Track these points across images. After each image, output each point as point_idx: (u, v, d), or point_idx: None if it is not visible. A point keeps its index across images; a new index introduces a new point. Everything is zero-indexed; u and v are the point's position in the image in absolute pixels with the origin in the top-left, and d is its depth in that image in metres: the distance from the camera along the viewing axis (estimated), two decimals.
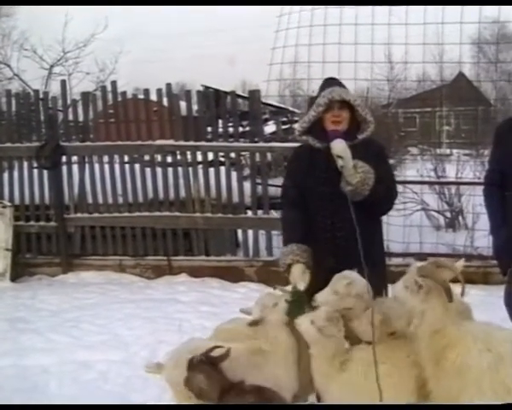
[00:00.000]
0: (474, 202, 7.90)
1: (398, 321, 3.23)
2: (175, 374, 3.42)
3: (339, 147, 3.52)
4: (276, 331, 3.36)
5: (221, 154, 7.93)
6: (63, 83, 8.58)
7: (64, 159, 8.17)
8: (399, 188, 7.99)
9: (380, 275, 3.67)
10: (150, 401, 3.59)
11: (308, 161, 3.81)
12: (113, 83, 8.30)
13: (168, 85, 7.93)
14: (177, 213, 7.91)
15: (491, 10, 8.36)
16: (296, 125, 4.02)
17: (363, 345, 3.23)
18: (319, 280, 3.45)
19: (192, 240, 8.01)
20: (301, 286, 3.47)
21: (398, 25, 7.79)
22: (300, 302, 3.36)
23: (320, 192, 3.73)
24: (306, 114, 3.98)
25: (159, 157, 8.13)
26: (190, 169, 7.89)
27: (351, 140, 3.65)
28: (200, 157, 7.90)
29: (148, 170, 8.02)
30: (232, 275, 7.64)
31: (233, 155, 7.86)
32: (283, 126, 9.56)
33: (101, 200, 8.16)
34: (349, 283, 3.28)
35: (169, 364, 3.50)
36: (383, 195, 3.66)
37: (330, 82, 3.87)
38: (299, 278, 3.55)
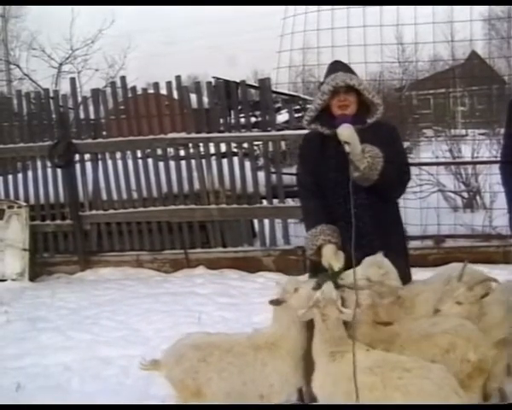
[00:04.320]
0: (492, 181, 7.82)
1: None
2: (177, 371, 3.37)
3: (345, 132, 3.46)
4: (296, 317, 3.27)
5: (234, 145, 7.89)
6: (73, 81, 8.58)
7: (77, 157, 8.19)
8: (415, 170, 7.97)
9: (400, 257, 3.61)
10: (171, 394, 3.56)
11: (319, 147, 3.77)
12: (123, 78, 8.29)
13: (178, 78, 7.89)
14: (193, 206, 7.90)
15: None
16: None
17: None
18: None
19: (208, 232, 7.99)
20: (336, 267, 3.40)
21: (407, 5, 7.70)
22: (338, 284, 3.27)
23: (332, 179, 3.69)
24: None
25: (171, 151, 8.12)
26: (203, 161, 7.86)
27: (361, 124, 3.60)
28: (212, 149, 7.87)
29: (161, 164, 8.01)
30: (250, 265, 7.62)
31: (246, 145, 7.82)
32: (296, 114, 9.49)
33: (115, 196, 8.17)
34: (384, 273, 3.25)
35: (169, 361, 3.44)
36: (394, 178, 3.59)
37: (334, 67, 3.80)
38: (333, 258, 3.48)
